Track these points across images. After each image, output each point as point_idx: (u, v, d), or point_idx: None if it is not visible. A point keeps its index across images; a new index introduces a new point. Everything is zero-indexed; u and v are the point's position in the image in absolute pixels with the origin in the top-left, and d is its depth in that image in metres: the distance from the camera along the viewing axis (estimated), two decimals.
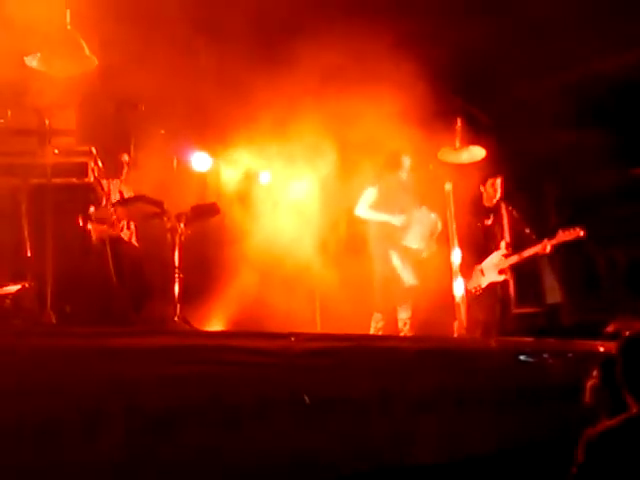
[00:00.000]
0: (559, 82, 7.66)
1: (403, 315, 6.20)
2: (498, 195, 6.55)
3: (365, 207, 6.36)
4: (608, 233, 8.12)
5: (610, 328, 5.48)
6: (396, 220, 6.25)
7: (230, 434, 3.82)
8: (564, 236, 6.14)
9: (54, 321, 4.39)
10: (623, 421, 2.67)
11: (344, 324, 6.47)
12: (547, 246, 6.22)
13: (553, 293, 8.17)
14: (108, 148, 5.88)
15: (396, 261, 6.20)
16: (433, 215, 6.28)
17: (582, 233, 6.10)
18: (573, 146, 7.64)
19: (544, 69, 7.44)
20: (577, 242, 6.67)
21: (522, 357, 4.81)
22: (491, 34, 6.89)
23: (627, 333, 2.80)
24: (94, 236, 5.24)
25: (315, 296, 7.14)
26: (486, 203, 6.61)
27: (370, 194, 6.38)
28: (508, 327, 6.37)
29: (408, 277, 6.20)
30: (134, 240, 5.82)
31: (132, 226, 5.80)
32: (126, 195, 5.78)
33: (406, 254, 6.27)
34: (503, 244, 6.44)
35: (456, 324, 5.96)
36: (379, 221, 6.32)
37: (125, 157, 5.90)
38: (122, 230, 5.74)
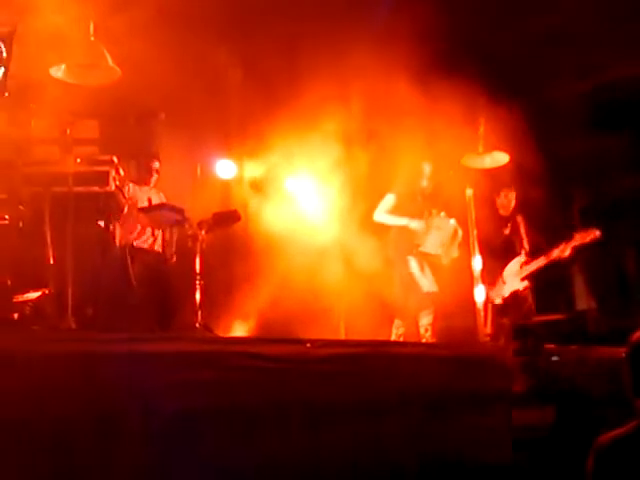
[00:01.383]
0: (585, 87, 7.59)
1: (424, 321, 6.19)
2: (512, 205, 6.57)
3: (383, 212, 6.37)
4: (637, 238, 8.01)
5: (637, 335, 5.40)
6: (414, 224, 6.25)
7: (247, 440, 3.84)
8: (581, 238, 6.13)
9: (74, 327, 4.44)
10: (633, 428, 2.61)
11: (368, 330, 6.46)
12: (566, 249, 6.20)
13: (583, 299, 8.07)
14: (136, 155, 5.98)
15: (414, 267, 6.20)
16: (452, 221, 6.27)
17: (598, 233, 6.06)
18: (600, 150, 7.54)
19: (570, 74, 7.37)
20: (607, 247, 6.61)
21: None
22: (519, 39, 6.85)
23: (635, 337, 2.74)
24: (117, 243, 5.31)
25: (339, 303, 7.13)
26: (502, 213, 6.63)
27: (389, 200, 6.39)
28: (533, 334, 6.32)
29: (426, 283, 6.18)
30: (158, 247, 5.89)
31: (157, 233, 5.86)
32: (154, 202, 5.86)
33: (424, 260, 6.26)
34: (523, 252, 6.44)
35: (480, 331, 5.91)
36: (397, 227, 6.32)
37: (156, 164, 6.01)
38: (147, 237, 5.81)
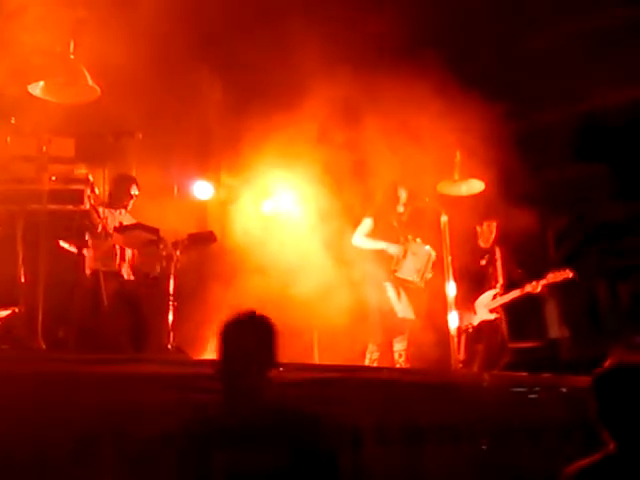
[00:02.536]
0: (563, 115, 7.69)
1: (398, 346, 6.21)
2: (492, 237, 6.66)
3: (361, 236, 6.40)
4: (611, 266, 8.09)
5: (607, 363, 5.45)
6: (392, 249, 6.28)
7: (220, 463, 3.80)
8: (554, 277, 6.34)
9: (44, 347, 4.39)
10: (600, 459, 2.62)
11: (342, 355, 6.44)
12: (538, 287, 6.40)
13: (555, 328, 8.12)
14: (115, 178, 5.93)
15: (390, 292, 6.22)
16: (427, 247, 6.31)
17: (571, 275, 6.24)
18: (576, 179, 7.65)
19: (552, 101, 7.47)
20: (580, 276, 6.69)
21: (516, 391, 4.79)
22: (504, 63, 6.95)
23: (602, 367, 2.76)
24: (87, 265, 5.26)
25: (313, 327, 7.11)
26: (481, 243, 6.74)
27: (367, 224, 6.42)
28: (505, 361, 6.37)
29: (401, 309, 6.21)
30: (128, 271, 5.81)
31: (127, 255, 5.80)
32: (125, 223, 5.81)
33: (400, 285, 6.28)
34: (498, 285, 6.54)
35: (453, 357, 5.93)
36: (374, 251, 6.34)
37: (134, 189, 5.95)
38: (117, 260, 5.76)
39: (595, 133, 7.55)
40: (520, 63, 7.04)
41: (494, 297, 6.58)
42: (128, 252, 5.78)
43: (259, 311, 3.13)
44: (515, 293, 6.50)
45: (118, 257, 5.67)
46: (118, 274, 5.60)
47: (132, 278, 5.72)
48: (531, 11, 6.77)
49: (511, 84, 6.93)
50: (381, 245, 6.33)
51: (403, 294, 6.28)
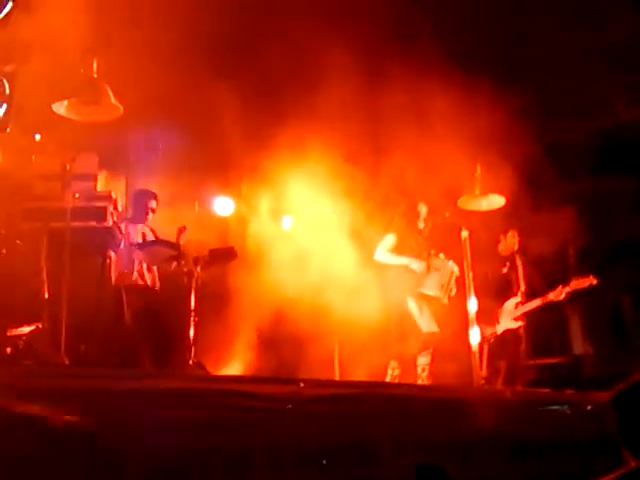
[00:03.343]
0: (589, 129, 7.65)
1: (422, 361, 6.17)
2: (515, 246, 6.62)
3: (384, 252, 6.38)
4: (636, 281, 8.00)
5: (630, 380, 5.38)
6: (415, 265, 6.26)
7: (237, 478, 3.80)
8: (577, 284, 6.24)
9: (67, 362, 4.43)
10: (620, 477, 2.59)
11: (364, 372, 6.43)
12: (562, 293, 6.30)
13: (579, 343, 8.03)
14: (135, 193, 6.01)
15: (413, 308, 6.19)
16: (450, 262, 6.29)
17: (595, 282, 6.15)
18: (600, 193, 7.58)
19: (571, 115, 7.44)
20: (604, 291, 6.62)
21: (539, 409, 4.73)
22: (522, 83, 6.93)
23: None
24: (111, 281, 5.31)
25: (334, 343, 7.10)
26: (502, 252, 6.70)
27: (389, 240, 6.41)
28: (528, 377, 6.31)
29: (425, 324, 6.17)
30: (153, 283, 5.88)
31: (154, 269, 5.86)
32: (148, 238, 5.87)
33: (424, 301, 6.26)
34: (519, 293, 6.48)
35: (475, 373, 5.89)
36: (397, 267, 6.32)
37: (153, 203, 6.02)
38: (142, 274, 5.81)
39: (621, 146, 7.50)
40: (546, 76, 7.01)
41: (517, 305, 6.53)
42: (151, 267, 5.83)
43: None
44: (538, 301, 6.43)
45: (144, 271, 5.71)
46: (141, 288, 5.64)
47: (155, 290, 5.76)
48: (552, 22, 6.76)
49: (537, 97, 6.90)
50: (404, 261, 6.31)
51: (426, 309, 6.25)
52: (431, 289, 6.26)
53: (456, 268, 6.24)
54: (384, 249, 6.41)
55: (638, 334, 7.86)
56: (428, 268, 6.29)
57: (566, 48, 6.71)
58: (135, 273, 5.71)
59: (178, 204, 6.69)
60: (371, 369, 6.33)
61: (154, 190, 6.26)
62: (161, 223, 6.26)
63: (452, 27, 6.64)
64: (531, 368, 6.43)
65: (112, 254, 5.25)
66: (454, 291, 6.30)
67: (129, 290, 5.35)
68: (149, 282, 5.81)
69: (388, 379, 6.15)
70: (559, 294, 6.31)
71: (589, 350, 7.85)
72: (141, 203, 6.01)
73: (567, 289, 6.28)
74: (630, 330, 7.98)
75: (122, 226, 5.32)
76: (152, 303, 5.60)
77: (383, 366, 6.30)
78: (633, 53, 6.70)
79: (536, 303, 6.43)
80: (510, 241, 6.72)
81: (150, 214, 6.03)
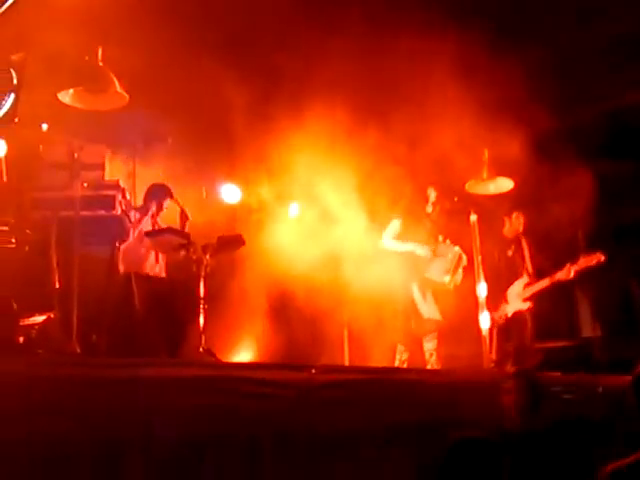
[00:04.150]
0: (593, 112, 7.61)
1: (428, 346, 6.20)
2: (521, 228, 6.59)
3: (390, 238, 6.39)
4: None
5: None
6: (421, 251, 6.27)
7: (251, 466, 3.82)
8: (586, 261, 6.19)
9: (79, 351, 4.45)
10: (635, 460, 2.59)
11: (373, 355, 6.45)
12: (570, 271, 6.27)
13: (588, 327, 8.03)
14: (152, 188, 5.98)
15: (416, 294, 6.20)
16: (456, 248, 6.28)
17: (602, 258, 6.10)
18: (610, 176, 7.54)
19: (578, 100, 7.40)
20: (613, 274, 6.59)
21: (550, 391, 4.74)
22: (532, 65, 6.88)
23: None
24: (121, 269, 5.31)
25: (343, 326, 7.12)
26: (507, 234, 6.67)
27: (394, 225, 6.41)
28: (537, 360, 6.31)
29: (426, 310, 6.18)
30: (163, 273, 5.88)
31: (161, 259, 5.86)
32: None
33: (428, 287, 6.26)
34: (525, 274, 6.46)
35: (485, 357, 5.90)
36: (402, 252, 6.33)
37: (167, 202, 6.00)
38: (151, 263, 5.82)
39: (630, 129, 7.46)
40: (558, 62, 6.96)
41: (525, 287, 6.51)
42: (161, 255, 5.84)
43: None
44: (546, 281, 6.39)
45: (151, 260, 5.71)
46: (150, 277, 5.64)
47: (165, 279, 5.77)
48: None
49: (545, 83, 6.86)
50: (409, 247, 6.31)
51: (429, 295, 6.26)
52: (436, 274, 6.27)
53: (464, 257, 6.23)
54: (390, 236, 6.42)
55: None
56: (434, 253, 6.29)
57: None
58: (145, 262, 5.71)
59: (185, 192, 6.68)
60: (380, 352, 6.36)
61: (159, 179, 6.24)
62: (168, 211, 6.26)
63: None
64: (540, 351, 6.42)
65: (121, 242, 5.25)
66: (460, 278, 6.29)
67: (139, 277, 5.35)
68: (158, 271, 5.81)
69: (396, 363, 6.18)
70: (568, 273, 6.26)
71: (598, 333, 7.85)
72: (157, 199, 5.96)
73: (575, 267, 6.22)
74: (638, 313, 7.98)
75: (131, 214, 5.32)
76: (162, 291, 5.59)
77: (391, 349, 6.32)
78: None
79: (545, 283, 6.40)
80: (515, 222, 6.68)
81: (163, 210, 6.00)
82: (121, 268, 5.34)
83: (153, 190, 5.96)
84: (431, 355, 6.20)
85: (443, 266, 6.26)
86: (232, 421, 3.85)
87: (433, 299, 6.27)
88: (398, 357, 6.21)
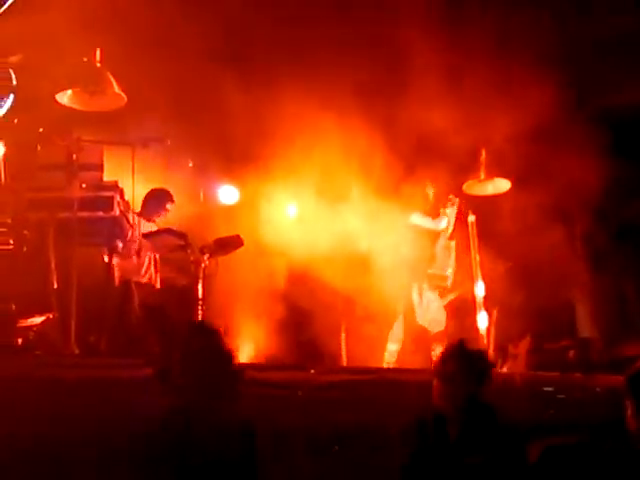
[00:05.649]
0: (590, 111, 7.61)
1: (392, 347, 6.23)
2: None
3: (419, 216, 6.40)
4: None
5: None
6: (437, 225, 6.33)
7: None
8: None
9: (77, 352, 4.45)
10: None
11: (370, 356, 6.46)
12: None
13: (586, 327, 8.04)
14: (154, 192, 5.97)
15: (415, 295, 6.20)
16: (452, 243, 6.30)
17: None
18: (605, 176, 7.56)
19: (576, 97, 7.40)
20: (610, 275, 6.59)
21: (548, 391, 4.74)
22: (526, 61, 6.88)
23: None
24: (118, 274, 5.30)
25: (340, 326, 7.13)
26: None
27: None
28: (535, 361, 6.32)
29: (421, 315, 6.19)
30: (156, 279, 5.85)
31: (152, 267, 5.82)
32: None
33: (431, 286, 6.27)
34: None
35: None
36: (403, 252, 6.31)
37: (169, 205, 5.99)
38: (149, 265, 5.81)
39: (625, 128, 7.46)
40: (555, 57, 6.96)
41: None
42: (151, 260, 5.83)
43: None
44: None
45: (152, 268, 5.70)
46: (148, 285, 5.61)
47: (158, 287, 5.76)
48: None
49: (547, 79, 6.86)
50: (431, 224, 6.35)
51: (426, 298, 6.26)
52: (440, 268, 6.26)
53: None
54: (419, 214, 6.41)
55: None
56: (434, 250, 6.29)
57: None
58: (143, 268, 5.69)
59: (183, 193, 6.68)
60: (377, 352, 6.37)
61: (157, 181, 6.24)
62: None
63: None
64: (538, 352, 6.43)
65: (119, 244, 5.24)
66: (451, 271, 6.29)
67: (137, 285, 5.33)
68: (154, 273, 5.79)
69: (385, 360, 6.18)
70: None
71: (595, 334, 7.86)
72: (159, 204, 5.96)
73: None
74: (634, 315, 8.00)
75: (130, 216, 5.31)
76: (159, 298, 5.58)
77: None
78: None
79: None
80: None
81: (164, 215, 5.99)
82: (119, 273, 5.31)
83: (155, 194, 5.95)
84: (392, 356, 6.23)
85: (446, 260, 6.24)
86: None
87: (429, 303, 6.27)
88: (386, 357, 6.19)
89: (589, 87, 7.27)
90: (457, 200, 6.35)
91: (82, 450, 3.53)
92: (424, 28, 6.17)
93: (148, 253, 5.71)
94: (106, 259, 5.09)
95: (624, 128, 7.39)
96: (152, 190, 5.92)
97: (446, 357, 3.04)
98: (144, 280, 5.66)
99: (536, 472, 2.38)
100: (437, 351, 6.10)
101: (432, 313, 6.22)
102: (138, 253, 5.35)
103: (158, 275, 5.79)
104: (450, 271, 6.26)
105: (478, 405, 2.99)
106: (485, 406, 3.01)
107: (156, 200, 5.93)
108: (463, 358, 3.00)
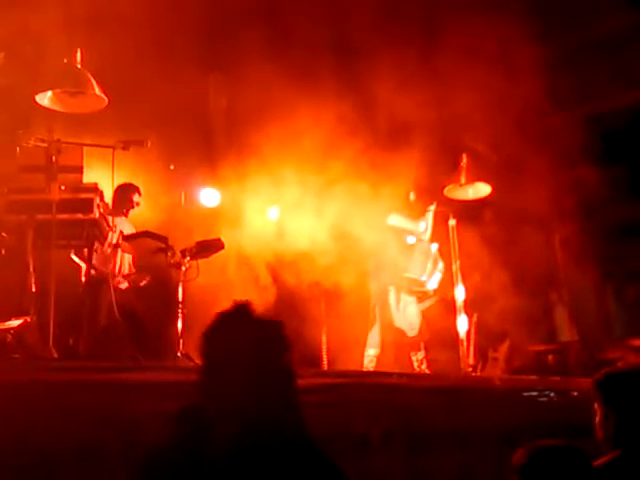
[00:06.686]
0: (578, 116, 7.67)
1: (371, 352, 6.21)
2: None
3: (397, 216, 6.37)
4: (619, 270, 8.08)
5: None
6: (416, 227, 6.30)
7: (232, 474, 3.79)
8: None
9: (55, 356, 4.41)
10: (609, 461, 2.61)
11: (351, 359, 6.46)
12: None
13: (565, 331, 8.11)
14: (119, 187, 5.95)
15: (392, 299, 6.20)
16: (434, 246, 6.29)
17: None
18: (586, 180, 7.63)
19: (564, 102, 7.45)
20: (589, 279, 6.64)
21: (527, 395, 4.77)
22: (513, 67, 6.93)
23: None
24: (99, 273, 5.27)
25: (321, 329, 7.12)
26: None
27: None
28: (515, 364, 6.36)
29: (398, 319, 6.18)
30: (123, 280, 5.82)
31: (124, 265, 5.79)
32: (126, 232, 5.81)
33: (409, 292, 6.27)
34: None
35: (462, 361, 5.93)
36: (379, 257, 6.31)
37: (136, 197, 5.98)
38: (129, 266, 5.79)
39: (610, 133, 7.53)
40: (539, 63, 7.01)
41: None
42: (124, 262, 5.81)
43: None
44: None
45: (117, 266, 5.68)
46: (114, 283, 5.58)
47: (125, 286, 5.74)
48: None
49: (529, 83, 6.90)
50: (411, 225, 6.32)
51: (403, 302, 6.25)
52: (416, 272, 6.25)
53: (441, 263, 6.24)
54: (396, 215, 6.39)
55: (621, 322, 7.96)
56: (412, 252, 6.29)
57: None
58: (122, 266, 5.68)
59: (164, 196, 6.65)
60: (358, 356, 6.36)
61: (138, 183, 6.22)
62: (147, 216, 6.23)
63: None
64: (518, 355, 6.48)
65: (98, 246, 5.21)
66: (439, 276, 6.28)
67: (103, 282, 5.30)
68: (133, 274, 5.77)
69: (365, 364, 6.17)
70: None
71: (575, 337, 7.93)
72: (125, 197, 5.96)
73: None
74: (613, 318, 8.08)
75: (109, 219, 5.28)
76: (138, 296, 5.56)
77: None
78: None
79: None
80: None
81: (133, 208, 5.98)
82: (98, 272, 5.28)
83: (121, 189, 5.94)
84: (371, 361, 6.21)
85: (423, 263, 6.23)
86: None
87: (405, 308, 6.26)
88: (365, 362, 6.19)
89: (571, 92, 7.33)
90: (435, 203, 6.34)
91: (61, 454, 3.49)
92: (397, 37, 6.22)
93: (126, 255, 5.68)
94: (81, 263, 5.06)
95: (607, 132, 7.47)
96: (118, 186, 5.89)
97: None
98: (122, 283, 5.64)
99: (526, 473, 2.38)
100: (419, 356, 6.14)
101: (408, 317, 6.22)
102: (117, 255, 5.32)
103: (122, 275, 5.78)
104: (426, 277, 6.25)
105: None
106: None
107: (122, 194, 5.93)
108: None
